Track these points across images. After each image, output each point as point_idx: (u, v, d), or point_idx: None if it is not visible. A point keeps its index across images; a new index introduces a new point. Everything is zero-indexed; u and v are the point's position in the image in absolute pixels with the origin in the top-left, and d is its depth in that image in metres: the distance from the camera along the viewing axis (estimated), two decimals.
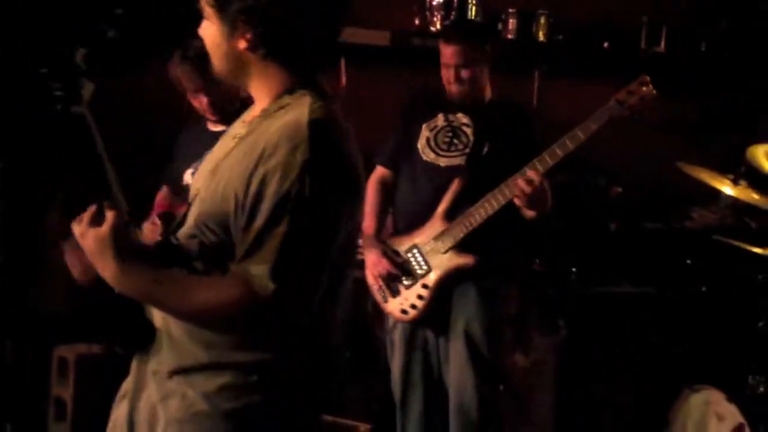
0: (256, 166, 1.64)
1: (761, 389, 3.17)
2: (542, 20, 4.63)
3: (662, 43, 4.80)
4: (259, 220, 1.62)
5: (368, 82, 4.56)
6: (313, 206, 1.62)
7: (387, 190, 3.32)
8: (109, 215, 1.66)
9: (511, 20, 4.60)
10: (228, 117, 2.61)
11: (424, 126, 3.22)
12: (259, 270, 1.62)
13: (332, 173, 1.67)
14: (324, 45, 1.83)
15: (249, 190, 1.63)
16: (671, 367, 3.71)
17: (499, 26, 4.61)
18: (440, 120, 3.22)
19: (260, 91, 1.79)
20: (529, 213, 3.00)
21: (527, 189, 2.91)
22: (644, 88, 2.94)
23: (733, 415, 3.11)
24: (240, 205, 1.64)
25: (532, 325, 3.99)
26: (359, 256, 3.39)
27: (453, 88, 3.16)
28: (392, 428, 3.48)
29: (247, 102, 1.93)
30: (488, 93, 3.24)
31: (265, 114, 1.75)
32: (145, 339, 1.75)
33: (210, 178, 1.74)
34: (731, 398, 3.11)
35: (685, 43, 4.84)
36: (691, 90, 4.97)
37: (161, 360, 1.74)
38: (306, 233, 1.63)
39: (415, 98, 3.36)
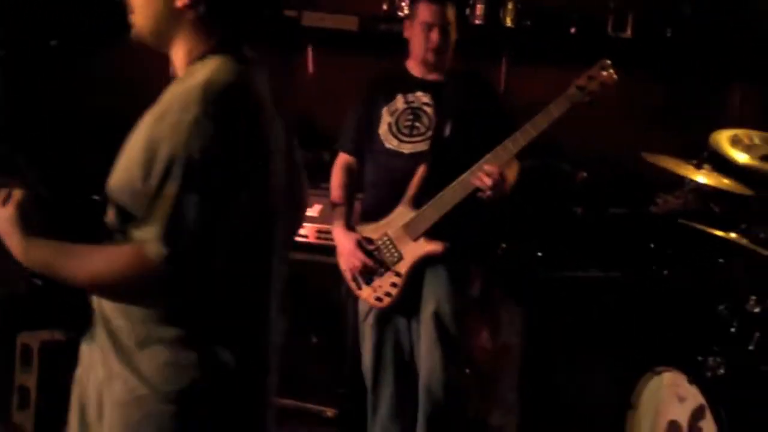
0: (152, 131, 1.63)
1: (721, 371, 3.20)
2: (510, 6, 4.63)
3: (628, 29, 4.82)
4: (152, 184, 1.60)
5: (336, 68, 4.57)
6: (204, 168, 1.59)
7: (352, 176, 3.32)
8: (15, 195, 1.69)
9: (479, 5, 4.59)
10: None
11: (384, 110, 3.21)
12: (149, 234, 1.60)
13: (229, 136, 1.62)
14: (259, 13, 1.82)
15: (145, 156, 1.62)
16: (635, 351, 3.74)
17: (467, 11, 4.60)
18: (400, 102, 3.20)
19: (180, 56, 1.76)
20: (486, 199, 3.03)
21: (488, 182, 2.94)
22: (604, 73, 2.95)
23: (694, 396, 3.14)
24: (140, 172, 1.62)
25: (498, 308, 4.03)
26: (329, 242, 3.40)
27: (429, 56, 3.14)
28: (358, 413, 3.50)
29: None
30: (450, 63, 3.23)
31: (176, 80, 1.73)
32: (86, 321, 1.76)
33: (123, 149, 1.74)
34: (692, 380, 3.13)
35: (650, 29, 4.87)
36: (657, 75, 5.02)
37: (100, 340, 1.74)
38: (197, 195, 1.58)
39: (374, 81, 3.34)
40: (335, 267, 3.33)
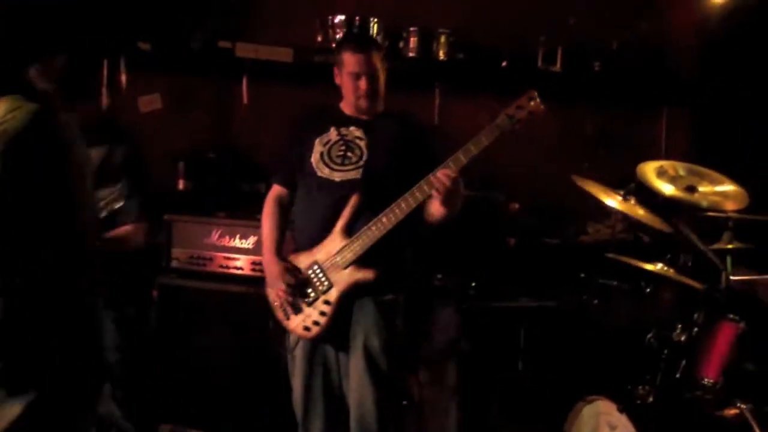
0: None
1: (650, 399, 3.27)
2: (443, 39, 4.71)
3: (558, 63, 4.94)
4: None
5: (271, 99, 4.57)
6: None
7: (284, 207, 3.31)
8: None
9: (412, 39, 4.67)
10: None
11: (316, 141, 3.22)
12: None
13: (23, 184, 1.67)
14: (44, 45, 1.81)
15: None
16: (567, 380, 3.80)
17: (401, 44, 4.67)
18: (333, 134, 3.22)
19: None
20: (440, 211, 3.02)
21: (447, 183, 2.93)
22: (532, 103, 2.99)
23: (624, 425, 3.19)
24: None
25: (432, 339, 4.04)
26: (260, 274, 3.38)
27: (362, 102, 3.18)
28: None
29: None
30: (382, 105, 3.27)
31: None
32: None
33: None
34: (622, 408, 3.18)
35: (579, 63, 4.99)
36: (587, 107, 5.14)
37: None
38: None
39: (306, 114, 3.36)
40: (265, 298, 3.31)
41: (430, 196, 3.01)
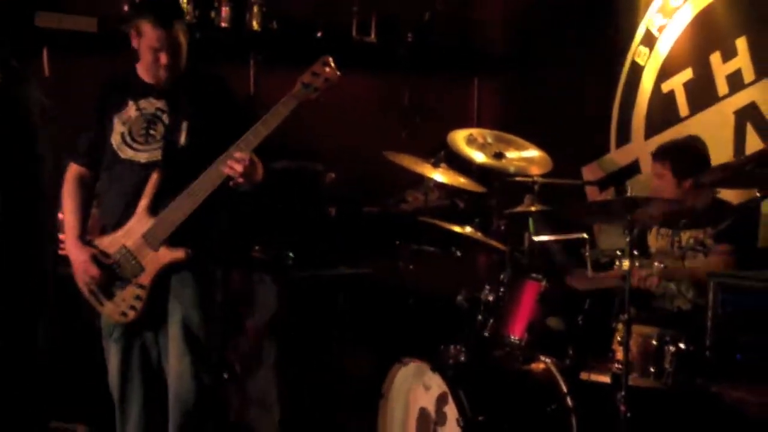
0: None
1: (462, 358, 3.39)
2: (255, 9, 4.65)
3: (372, 33, 4.99)
4: None
5: (75, 71, 4.36)
6: None
7: (86, 188, 3.16)
8: None
9: (224, 9, 4.57)
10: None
11: (116, 120, 3.07)
12: None
13: None
14: None
15: None
16: (385, 343, 3.88)
17: (212, 14, 4.57)
18: (132, 110, 3.07)
19: None
20: (241, 184, 2.97)
21: (239, 168, 2.90)
22: (327, 69, 2.98)
23: (437, 383, 3.30)
24: None
25: (251, 310, 4.03)
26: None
27: (162, 74, 3.05)
28: (110, 429, 3.38)
29: None
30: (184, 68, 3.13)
31: None
32: None
33: None
34: (435, 368, 3.29)
35: (393, 33, 5.07)
36: (401, 77, 5.23)
37: None
38: None
39: (105, 88, 3.20)
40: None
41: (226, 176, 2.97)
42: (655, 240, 3.74)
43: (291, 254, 4.05)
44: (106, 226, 3.09)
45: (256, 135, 2.94)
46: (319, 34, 4.86)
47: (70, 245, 3.08)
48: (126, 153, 3.03)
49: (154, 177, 2.98)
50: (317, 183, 4.46)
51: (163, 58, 3.00)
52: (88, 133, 3.14)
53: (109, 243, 3.05)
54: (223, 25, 4.58)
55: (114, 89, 3.13)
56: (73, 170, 3.16)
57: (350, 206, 4.65)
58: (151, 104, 3.06)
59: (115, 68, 3.51)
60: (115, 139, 3.05)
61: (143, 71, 3.09)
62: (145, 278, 3.02)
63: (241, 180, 2.93)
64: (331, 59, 2.98)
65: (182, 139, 3.03)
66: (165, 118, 3.04)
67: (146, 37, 3.00)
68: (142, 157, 3.02)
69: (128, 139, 3.04)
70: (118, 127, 3.05)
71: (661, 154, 3.65)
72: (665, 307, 3.58)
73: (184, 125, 3.04)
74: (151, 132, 3.03)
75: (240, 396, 4.03)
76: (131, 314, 3.04)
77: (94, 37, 4.33)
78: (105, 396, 3.25)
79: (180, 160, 3.01)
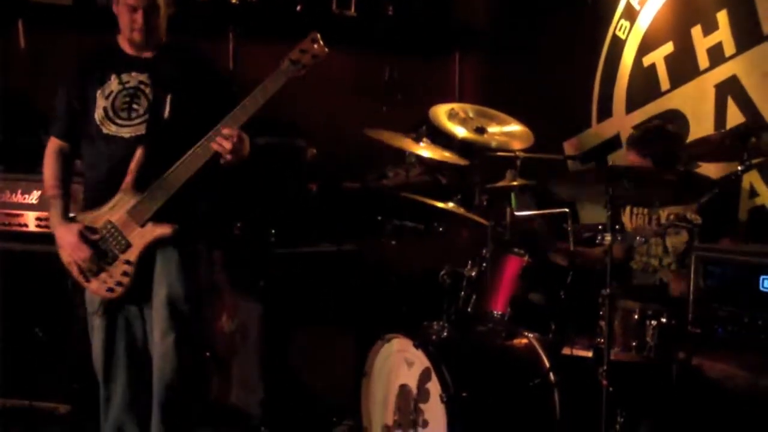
0: None
1: (444, 334, 3.39)
2: None
3: (352, 7, 4.94)
4: None
5: (51, 44, 4.29)
6: None
7: (67, 162, 3.13)
8: None
9: None
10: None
11: (98, 93, 3.03)
12: None
13: None
14: None
15: None
16: (369, 320, 3.87)
17: None
18: (114, 83, 3.04)
19: None
20: (227, 161, 2.96)
21: (228, 145, 2.90)
22: (315, 46, 2.96)
23: (420, 360, 3.30)
24: None
25: (235, 288, 4.00)
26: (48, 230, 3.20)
27: (136, 36, 3.01)
28: (93, 408, 3.36)
29: None
30: (164, 38, 3.10)
31: None
32: None
33: None
34: (417, 344, 3.29)
35: (373, 7, 5.02)
36: (382, 53, 5.19)
37: None
38: None
39: (83, 59, 3.15)
40: (58, 256, 3.15)
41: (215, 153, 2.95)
42: (629, 219, 3.75)
43: (273, 231, 4.02)
44: (90, 202, 3.07)
45: (243, 111, 2.93)
46: (298, 8, 4.81)
47: (56, 223, 3.06)
48: (109, 128, 3.00)
49: (139, 153, 2.95)
50: (299, 159, 4.42)
51: (138, 18, 2.97)
52: (66, 106, 3.10)
53: (94, 218, 3.02)
54: None
55: (95, 62, 3.09)
56: (54, 144, 3.13)
57: (332, 182, 4.62)
58: (133, 78, 3.03)
59: (91, 43, 3.45)
60: (98, 114, 3.02)
61: (124, 41, 3.06)
62: (132, 254, 3.00)
63: (229, 157, 2.93)
64: (318, 35, 2.96)
65: (166, 113, 3.00)
66: (148, 91, 3.01)
67: None
68: (126, 132, 2.99)
69: (111, 113, 3.01)
70: (101, 102, 3.02)
71: (639, 145, 3.63)
72: (647, 282, 3.60)
73: (168, 99, 3.01)
74: (134, 106, 3.00)
75: (222, 376, 4.02)
76: (118, 290, 3.03)
77: (70, 10, 4.26)
78: (88, 376, 3.25)
79: (164, 135, 2.99)
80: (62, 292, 3.58)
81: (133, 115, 3.00)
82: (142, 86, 3.02)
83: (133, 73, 3.03)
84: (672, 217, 3.52)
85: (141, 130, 2.99)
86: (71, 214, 3.10)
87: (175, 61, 3.06)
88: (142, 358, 3.13)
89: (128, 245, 3.00)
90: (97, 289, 3.05)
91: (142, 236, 2.99)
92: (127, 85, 3.02)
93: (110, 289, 3.03)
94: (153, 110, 3.00)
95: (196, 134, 2.95)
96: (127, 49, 3.05)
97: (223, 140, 2.90)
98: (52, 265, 3.17)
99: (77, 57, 3.15)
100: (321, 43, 2.95)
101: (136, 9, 2.96)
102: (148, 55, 3.05)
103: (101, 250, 3.01)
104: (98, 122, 3.01)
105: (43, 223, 3.71)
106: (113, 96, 3.01)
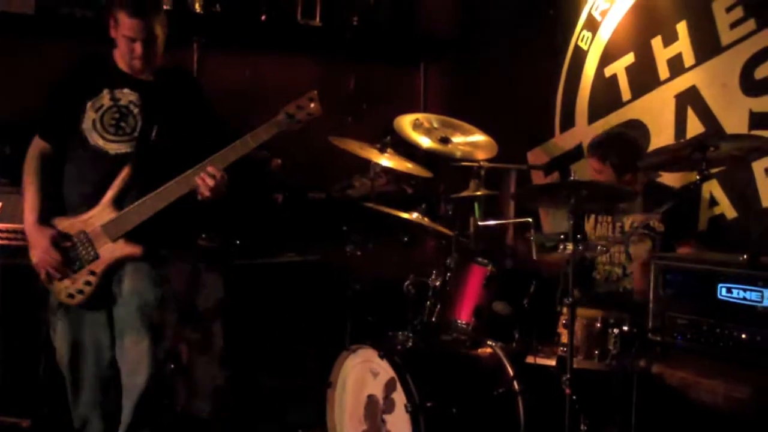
0: None
1: (409, 344, 3.40)
2: None
3: (317, 17, 4.95)
4: None
5: (12, 55, 4.25)
6: None
7: (48, 166, 3.13)
8: None
9: None
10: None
11: (88, 105, 3.07)
12: None
13: None
14: None
15: None
16: (333, 331, 3.87)
17: None
18: (106, 98, 3.07)
19: None
20: (206, 197, 3.02)
21: (210, 183, 2.96)
22: (312, 105, 3.06)
23: (385, 370, 3.30)
24: None
25: (199, 300, 3.99)
26: (12, 243, 3.20)
27: (136, 63, 3.05)
28: (56, 419, 3.34)
29: None
30: (160, 61, 3.14)
31: None
32: None
33: None
34: (382, 355, 3.29)
35: (338, 17, 5.03)
36: (347, 62, 5.20)
37: None
38: None
39: (78, 67, 3.16)
40: (22, 268, 3.14)
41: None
42: (593, 228, 3.79)
43: (237, 242, 4.02)
44: (67, 208, 3.08)
45: (233, 152, 3.01)
46: (263, 18, 4.80)
47: (30, 226, 3.07)
48: (95, 140, 3.04)
49: (125, 171, 3.01)
50: (263, 169, 4.41)
51: (138, 48, 3.02)
52: (55, 110, 3.11)
53: (69, 225, 3.06)
54: (166, 7, 4.47)
55: (90, 70, 3.12)
56: (38, 145, 3.13)
57: (297, 192, 4.62)
58: (125, 95, 3.08)
59: (54, 53, 3.44)
60: (86, 124, 3.05)
61: (120, 57, 3.08)
62: (98, 266, 3.05)
63: (207, 194, 2.99)
64: (316, 93, 3.04)
65: (153, 137, 3.05)
66: (137, 112, 3.07)
67: (122, 25, 3.01)
68: (111, 149, 3.04)
69: (98, 126, 3.05)
70: (90, 114, 3.06)
71: (600, 151, 3.69)
72: (610, 290, 3.63)
73: (157, 124, 3.05)
74: (122, 125, 3.05)
75: (186, 387, 3.99)
76: (78, 298, 3.06)
77: (32, 19, 4.22)
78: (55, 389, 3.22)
79: (150, 157, 3.03)
80: (21, 305, 3.55)
81: (120, 133, 3.04)
82: (132, 106, 3.07)
83: (126, 90, 3.08)
84: (636, 225, 3.56)
85: (125, 148, 3.04)
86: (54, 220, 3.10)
87: (168, 85, 3.11)
88: (111, 366, 3.13)
89: (96, 257, 3.04)
90: (59, 291, 3.09)
91: (111, 251, 3.04)
92: (118, 102, 3.07)
93: (71, 296, 3.07)
94: (141, 132, 3.04)
95: (181, 160, 3.00)
96: (122, 65, 3.08)
97: (207, 177, 2.97)
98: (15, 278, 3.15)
99: (73, 63, 3.14)
100: (318, 101, 3.03)
101: (135, 40, 2.99)
102: (143, 76, 3.08)
103: (69, 258, 3.05)
104: (86, 133, 3.04)
105: (3, 236, 3.67)
106: (103, 110, 3.06)
